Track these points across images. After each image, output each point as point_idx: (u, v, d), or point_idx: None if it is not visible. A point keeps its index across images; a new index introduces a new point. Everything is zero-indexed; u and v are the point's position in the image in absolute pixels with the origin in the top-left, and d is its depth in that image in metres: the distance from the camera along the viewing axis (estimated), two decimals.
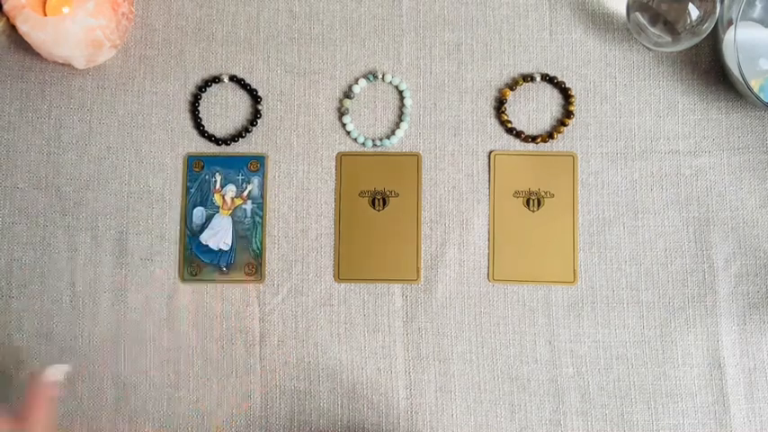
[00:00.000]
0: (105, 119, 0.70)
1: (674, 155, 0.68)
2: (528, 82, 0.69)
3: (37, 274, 0.68)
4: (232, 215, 0.69)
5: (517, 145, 0.69)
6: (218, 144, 0.69)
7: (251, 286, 0.68)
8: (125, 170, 0.69)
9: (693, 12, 0.65)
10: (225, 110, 0.70)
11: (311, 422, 0.67)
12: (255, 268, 0.68)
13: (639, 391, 0.66)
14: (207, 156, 0.69)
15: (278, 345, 0.68)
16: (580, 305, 0.67)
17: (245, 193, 0.69)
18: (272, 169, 0.69)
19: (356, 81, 0.70)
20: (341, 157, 0.69)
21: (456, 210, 0.68)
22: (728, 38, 0.63)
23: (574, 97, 0.69)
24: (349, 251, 0.68)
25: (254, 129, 0.70)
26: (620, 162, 0.68)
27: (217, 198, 0.69)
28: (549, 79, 0.69)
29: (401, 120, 0.69)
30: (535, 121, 0.69)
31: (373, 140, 0.69)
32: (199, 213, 0.69)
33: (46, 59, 0.68)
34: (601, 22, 0.70)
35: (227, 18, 0.71)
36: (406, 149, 0.69)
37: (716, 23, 0.64)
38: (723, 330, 0.66)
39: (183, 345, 0.68)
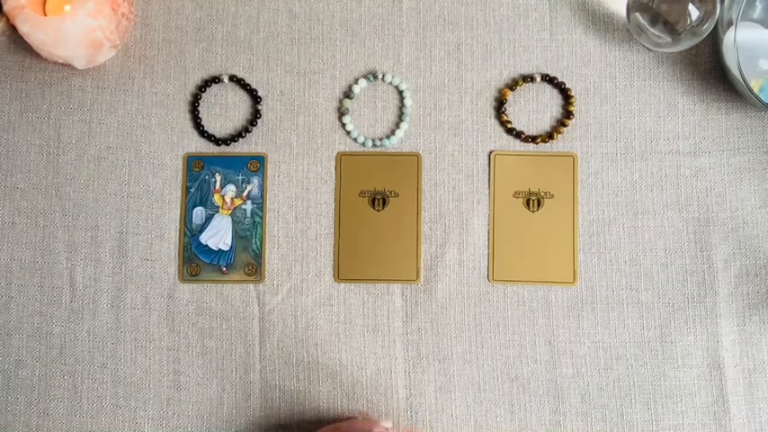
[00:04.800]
0: (105, 119, 0.70)
1: (673, 155, 0.68)
2: (528, 82, 0.69)
3: (36, 275, 0.68)
4: (232, 215, 0.69)
5: (517, 145, 0.69)
6: (218, 144, 0.69)
7: (251, 286, 0.68)
8: (125, 170, 0.69)
9: (693, 12, 0.65)
10: (225, 110, 0.70)
11: (311, 422, 0.67)
12: (255, 268, 0.68)
13: (639, 391, 0.66)
14: (207, 156, 0.69)
15: (278, 345, 0.68)
16: (580, 305, 0.67)
17: (245, 194, 0.69)
18: (271, 169, 0.69)
19: (356, 81, 0.70)
20: (341, 157, 0.69)
21: (456, 210, 0.68)
22: (728, 38, 0.63)
23: (574, 98, 0.69)
24: (349, 251, 0.68)
25: (254, 129, 0.70)
26: (620, 162, 0.68)
27: (216, 198, 0.69)
28: (549, 79, 0.69)
29: (401, 120, 0.69)
30: (535, 122, 0.69)
31: (373, 140, 0.69)
32: (198, 213, 0.69)
33: (46, 60, 0.68)
34: (601, 23, 0.70)
35: (227, 18, 0.71)
36: (406, 149, 0.69)
37: (716, 24, 0.64)
38: (723, 331, 0.66)
39: (182, 345, 0.68)
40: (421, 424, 0.66)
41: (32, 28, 0.63)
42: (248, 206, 0.69)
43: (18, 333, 0.68)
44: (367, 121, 0.70)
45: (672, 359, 0.66)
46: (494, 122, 0.69)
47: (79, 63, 0.67)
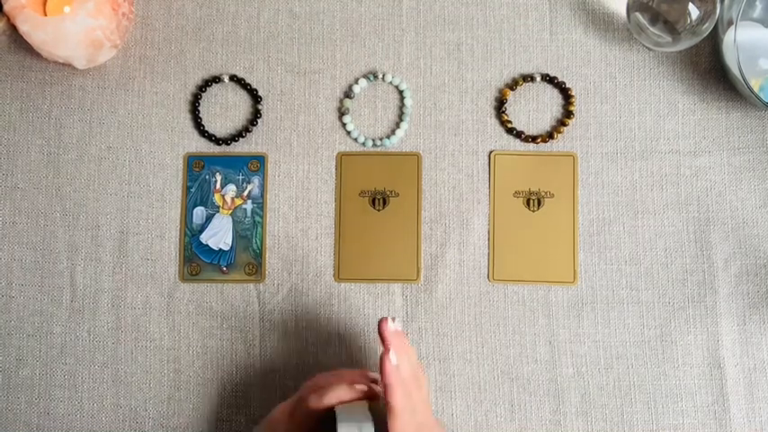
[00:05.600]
0: (105, 119, 0.70)
1: (674, 155, 0.68)
2: (528, 82, 0.69)
3: (37, 274, 0.68)
4: (232, 215, 0.69)
5: (517, 145, 0.69)
6: (219, 144, 0.69)
7: (251, 286, 0.68)
8: (125, 170, 0.69)
9: (693, 12, 0.65)
10: (225, 110, 0.70)
11: None
12: (255, 268, 0.68)
13: (639, 390, 0.66)
14: (207, 155, 0.69)
15: (278, 344, 0.68)
16: (580, 305, 0.67)
17: (246, 193, 0.69)
18: (272, 169, 0.69)
19: (356, 81, 0.70)
20: (341, 157, 0.69)
21: (456, 210, 0.68)
22: (728, 38, 0.63)
23: (574, 97, 0.69)
24: (349, 251, 0.68)
25: (255, 128, 0.70)
26: (620, 162, 0.68)
27: (217, 198, 0.69)
28: (549, 79, 0.69)
29: (401, 120, 0.69)
30: (535, 121, 0.69)
31: (373, 140, 0.69)
32: (199, 213, 0.69)
33: (46, 59, 0.68)
34: (601, 22, 0.70)
35: (227, 18, 0.71)
36: (407, 149, 0.69)
37: (716, 23, 0.64)
38: (723, 330, 0.66)
39: (183, 344, 0.68)
40: None
41: (33, 28, 0.63)
42: (248, 206, 0.69)
43: (19, 333, 0.68)
44: (367, 120, 0.70)
45: (672, 358, 0.66)
46: (494, 122, 0.69)
47: (79, 63, 0.67)
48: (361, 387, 0.55)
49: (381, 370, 0.52)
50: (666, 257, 0.67)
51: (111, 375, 0.67)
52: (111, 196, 0.69)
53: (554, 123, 0.69)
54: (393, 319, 0.54)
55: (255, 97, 0.70)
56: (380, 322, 0.53)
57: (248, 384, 0.67)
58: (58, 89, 0.70)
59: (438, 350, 0.67)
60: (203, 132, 0.69)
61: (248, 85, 0.70)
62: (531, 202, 0.68)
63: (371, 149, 0.69)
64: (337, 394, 0.55)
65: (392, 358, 0.52)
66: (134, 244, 0.68)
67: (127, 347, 0.68)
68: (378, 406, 0.55)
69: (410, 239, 0.68)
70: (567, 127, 0.68)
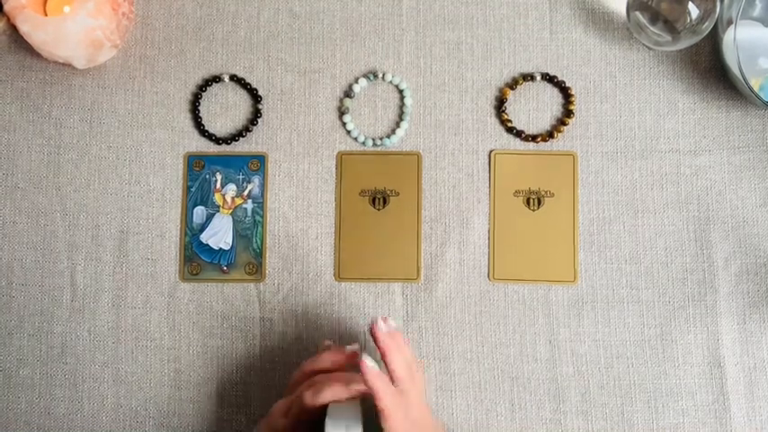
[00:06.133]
0: (105, 119, 0.70)
1: (674, 154, 0.68)
2: (528, 81, 0.69)
3: (37, 274, 0.68)
4: (232, 214, 0.69)
5: (517, 144, 0.69)
6: (219, 143, 0.69)
7: (251, 285, 0.68)
8: (125, 170, 0.69)
9: (693, 11, 0.65)
10: (225, 109, 0.70)
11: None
12: (256, 267, 0.68)
13: (640, 389, 0.66)
14: (207, 155, 0.69)
15: (278, 344, 0.68)
16: (580, 304, 0.67)
17: (246, 193, 0.69)
18: (272, 168, 0.69)
19: (356, 80, 0.70)
20: (341, 157, 0.69)
21: (456, 209, 0.68)
22: (728, 37, 0.63)
23: (574, 96, 0.69)
24: (349, 250, 0.68)
25: (255, 128, 0.70)
26: (621, 161, 0.68)
27: (217, 197, 0.69)
28: (549, 78, 0.69)
29: (401, 119, 0.69)
30: (535, 121, 0.69)
31: (373, 140, 0.69)
32: (199, 213, 0.69)
33: (46, 59, 0.68)
34: (601, 22, 0.70)
35: (227, 17, 0.71)
36: (407, 149, 0.69)
37: (716, 22, 0.64)
38: (723, 329, 0.66)
39: (183, 344, 0.68)
40: None
41: (33, 28, 0.63)
42: (249, 205, 0.69)
43: (19, 332, 0.68)
44: (367, 120, 0.70)
45: (672, 357, 0.66)
46: (494, 121, 0.69)
47: (80, 63, 0.67)
48: (357, 387, 0.55)
49: (361, 375, 0.53)
50: (666, 256, 0.67)
51: (112, 375, 0.67)
52: (112, 196, 0.69)
53: (554, 122, 0.69)
54: (385, 319, 0.55)
55: (255, 97, 0.70)
56: (372, 326, 0.55)
57: (249, 384, 0.67)
58: (57, 89, 0.70)
59: (438, 349, 0.67)
60: (203, 132, 0.69)
61: (248, 84, 0.70)
62: (532, 201, 0.68)
63: (371, 149, 0.69)
64: (332, 393, 0.55)
65: (366, 362, 0.53)
66: (134, 243, 0.69)
67: (127, 347, 0.68)
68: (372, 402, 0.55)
69: (410, 239, 0.68)
70: (567, 126, 0.68)
